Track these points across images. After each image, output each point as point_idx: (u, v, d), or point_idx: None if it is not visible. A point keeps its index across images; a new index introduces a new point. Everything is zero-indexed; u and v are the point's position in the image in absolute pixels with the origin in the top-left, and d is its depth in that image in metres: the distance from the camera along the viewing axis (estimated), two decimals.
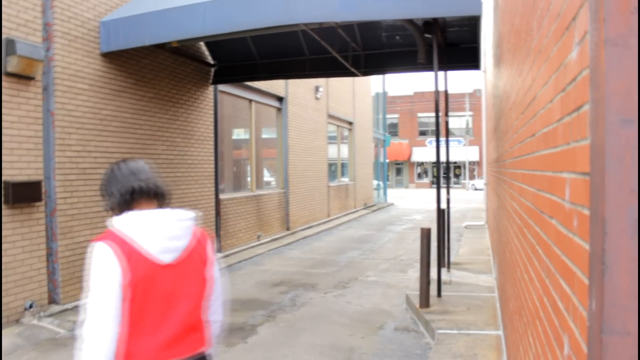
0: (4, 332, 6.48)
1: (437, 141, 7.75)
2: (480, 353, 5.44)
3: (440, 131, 7.91)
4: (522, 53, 3.07)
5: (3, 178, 6.56)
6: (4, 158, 6.57)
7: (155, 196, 2.32)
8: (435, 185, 7.56)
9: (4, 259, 6.59)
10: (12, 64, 6.58)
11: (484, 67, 11.56)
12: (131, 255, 2.10)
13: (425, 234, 7.33)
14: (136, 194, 2.27)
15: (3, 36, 6.56)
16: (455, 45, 9.71)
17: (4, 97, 6.59)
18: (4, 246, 6.59)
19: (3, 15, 6.58)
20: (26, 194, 6.82)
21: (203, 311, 2.34)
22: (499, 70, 6.39)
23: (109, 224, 2.23)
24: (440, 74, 7.89)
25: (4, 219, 6.59)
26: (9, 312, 6.65)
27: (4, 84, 6.59)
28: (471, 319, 6.59)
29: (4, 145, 6.57)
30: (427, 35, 7.79)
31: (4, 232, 6.59)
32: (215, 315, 2.46)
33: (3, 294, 6.58)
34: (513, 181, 4.11)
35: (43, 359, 5.87)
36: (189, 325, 2.25)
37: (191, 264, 2.27)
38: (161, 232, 2.18)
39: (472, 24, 9.09)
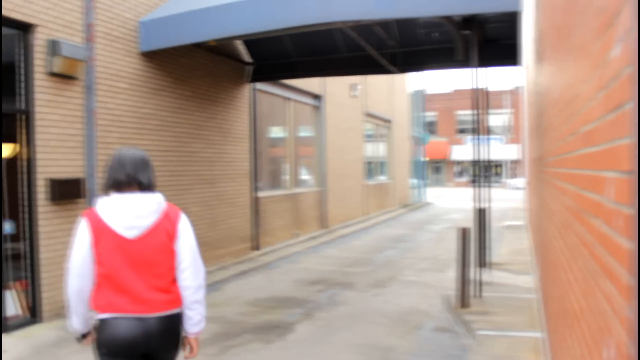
0: (51, 324, 6.66)
1: (477, 139, 7.64)
2: (521, 355, 5.34)
3: (480, 129, 7.79)
4: (563, 49, 3.00)
5: (48, 175, 6.73)
6: (48, 156, 6.74)
7: (137, 185, 2.85)
8: (475, 185, 7.46)
9: (49, 254, 6.76)
10: (56, 65, 6.75)
11: (524, 64, 11.34)
12: (101, 230, 2.77)
13: (463, 233, 7.23)
14: (118, 183, 2.84)
15: (48, 38, 6.74)
16: (494, 41, 9.55)
17: (49, 97, 6.76)
18: (49, 242, 6.76)
19: (48, 18, 6.75)
20: (69, 191, 6.99)
21: (174, 277, 2.88)
22: (539, 66, 6.25)
23: (95, 202, 2.88)
24: (480, 70, 7.77)
25: (48, 215, 6.77)
26: (53, 305, 6.83)
27: (48, 83, 6.76)
28: (511, 320, 6.48)
29: (49, 143, 6.74)
30: (465, 31, 7.68)
31: (49, 228, 6.77)
32: (186, 281, 2.89)
33: (47, 288, 6.76)
34: (554, 180, 4.02)
35: (87, 351, 5.99)
36: (157, 288, 2.80)
37: (157, 238, 2.82)
38: (129, 212, 2.77)
39: (511, 20, 8.93)
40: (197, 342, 3.03)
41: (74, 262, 2.82)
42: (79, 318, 2.92)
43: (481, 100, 7.85)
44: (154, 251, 2.81)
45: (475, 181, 7.88)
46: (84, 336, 3.01)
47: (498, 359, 5.29)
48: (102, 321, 2.79)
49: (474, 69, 7.44)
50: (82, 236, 2.80)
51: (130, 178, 2.83)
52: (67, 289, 2.86)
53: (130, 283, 2.77)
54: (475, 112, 7.61)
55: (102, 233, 2.77)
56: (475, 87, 7.48)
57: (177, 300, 2.88)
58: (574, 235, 2.54)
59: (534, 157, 10.59)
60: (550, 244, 4.62)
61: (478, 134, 7.65)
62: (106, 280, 2.79)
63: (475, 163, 7.90)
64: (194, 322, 2.96)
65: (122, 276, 2.77)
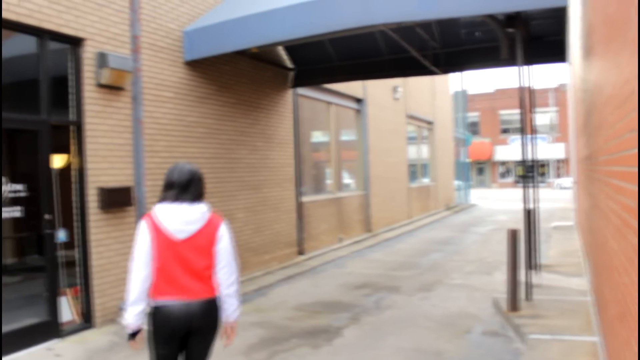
0: (102, 330, 6.81)
1: (524, 139, 7.48)
2: None
3: (527, 128, 7.62)
4: (617, 44, 2.90)
5: (98, 184, 6.90)
6: (98, 165, 6.91)
7: (184, 199, 3.49)
8: (519, 185, 7.30)
9: (100, 261, 6.92)
10: (104, 76, 6.91)
11: (570, 60, 11.08)
12: (157, 230, 3.42)
13: (512, 235, 7.09)
14: (169, 198, 3.50)
15: (96, 50, 6.91)
16: (538, 38, 9.35)
17: (98, 108, 6.93)
18: (100, 249, 6.92)
19: (95, 31, 6.92)
20: (118, 200, 7.14)
21: (212, 272, 3.50)
22: (588, 62, 6.09)
23: (153, 208, 3.54)
24: (525, 69, 7.62)
25: (99, 223, 6.93)
26: (105, 311, 6.98)
27: (97, 94, 6.94)
28: (564, 324, 6.31)
29: (98, 153, 6.91)
30: (509, 29, 7.54)
31: (99, 236, 6.92)
32: (221, 278, 3.53)
33: (99, 294, 6.91)
34: (609, 179, 3.90)
35: (139, 356, 6.10)
36: (198, 279, 3.45)
37: (200, 241, 3.45)
38: (177, 218, 3.42)
39: (556, 16, 8.73)
40: (233, 330, 3.67)
41: (139, 254, 3.44)
42: (138, 307, 3.45)
43: (527, 98, 7.69)
44: (196, 251, 3.44)
45: (522, 181, 7.72)
46: (134, 335, 3.50)
47: None
48: (157, 307, 3.43)
49: (519, 68, 7.30)
50: (143, 234, 3.45)
51: (178, 196, 3.48)
52: (132, 280, 3.43)
53: (177, 275, 3.41)
54: (522, 111, 7.45)
55: (157, 233, 3.43)
56: (520, 85, 7.33)
57: (212, 289, 3.52)
58: (633, 235, 2.45)
59: (582, 155, 10.32)
60: (606, 244, 4.48)
61: (524, 134, 7.48)
62: (159, 273, 3.42)
63: (523, 163, 7.73)
64: (228, 312, 3.59)
65: (171, 269, 3.41)
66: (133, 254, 3.46)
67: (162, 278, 3.42)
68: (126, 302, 3.45)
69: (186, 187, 3.49)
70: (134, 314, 3.45)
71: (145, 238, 3.44)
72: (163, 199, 3.52)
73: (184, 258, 3.42)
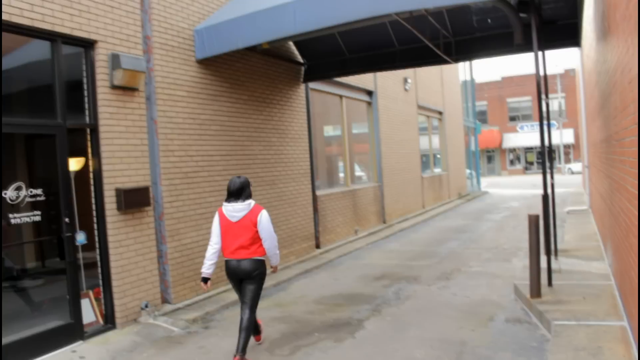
0: (124, 330, 6.84)
1: (543, 125, 7.40)
2: (606, 346, 5.12)
3: (539, 115, 7.52)
4: None
5: (115, 185, 6.90)
6: (114, 167, 6.91)
7: (237, 199, 5.61)
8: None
9: (120, 262, 6.94)
10: (117, 78, 6.90)
11: (582, 44, 10.97)
12: (222, 216, 5.61)
13: (534, 220, 7.03)
14: (228, 199, 5.65)
15: (109, 52, 6.90)
16: (551, 23, 9.26)
17: (112, 109, 6.93)
18: (119, 250, 6.93)
19: (108, 33, 6.92)
20: (136, 200, 7.13)
21: (256, 243, 5.55)
22: (605, 43, 6.02)
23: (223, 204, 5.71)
24: (539, 54, 7.53)
25: (117, 224, 6.94)
26: (127, 312, 7.00)
27: (111, 96, 6.94)
28: (589, 309, 6.26)
29: (114, 154, 6.91)
30: (521, 14, 7.45)
31: (118, 237, 6.94)
32: (266, 246, 5.62)
33: (119, 295, 6.93)
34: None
35: (162, 355, 6.13)
36: (245, 247, 5.53)
37: (245, 223, 5.52)
38: (232, 209, 5.54)
39: None
40: (276, 267, 5.99)
41: (213, 231, 5.67)
42: (211, 261, 5.70)
43: (543, 84, 7.61)
44: (243, 230, 5.51)
45: (541, 167, 7.64)
46: (205, 280, 5.71)
47: (581, 351, 5.10)
48: (225, 262, 5.61)
49: (534, 53, 7.22)
50: (215, 219, 5.68)
51: (233, 198, 5.60)
52: (210, 245, 5.70)
53: (233, 243, 5.54)
54: (539, 97, 7.38)
55: (222, 218, 5.61)
56: (537, 71, 7.25)
57: (255, 253, 5.55)
58: None
59: (597, 139, 10.23)
60: (632, 227, 4.44)
61: (542, 121, 7.39)
62: (224, 241, 5.60)
63: (542, 149, 7.65)
64: (273, 261, 5.85)
65: (230, 240, 5.56)
66: (211, 230, 5.71)
67: (225, 244, 5.57)
68: (206, 257, 5.66)
69: (238, 193, 5.59)
70: (207, 266, 5.68)
71: (216, 221, 5.64)
72: (227, 200, 5.62)
73: (236, 233, 5.51)
